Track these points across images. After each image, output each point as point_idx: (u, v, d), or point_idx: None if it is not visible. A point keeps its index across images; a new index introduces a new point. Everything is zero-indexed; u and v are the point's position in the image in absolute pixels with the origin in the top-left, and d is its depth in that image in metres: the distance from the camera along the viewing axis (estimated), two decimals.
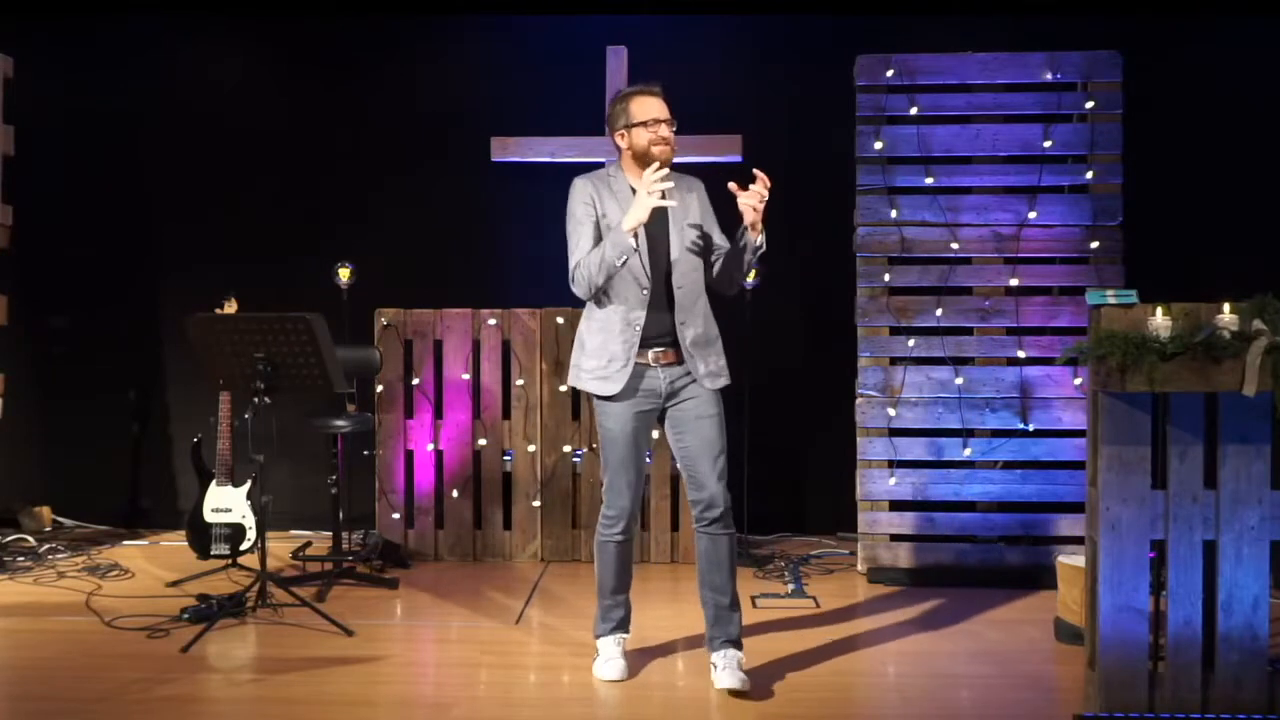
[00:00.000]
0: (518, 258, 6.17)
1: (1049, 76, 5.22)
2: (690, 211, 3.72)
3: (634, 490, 3.76)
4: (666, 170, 3.55)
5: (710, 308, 3.77)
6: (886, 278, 5.28)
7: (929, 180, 5.26)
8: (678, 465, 3.80)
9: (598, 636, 3.91)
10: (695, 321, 3.69)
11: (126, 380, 6.35)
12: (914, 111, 5.26)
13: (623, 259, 3.55)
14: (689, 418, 3.69)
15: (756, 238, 3.61)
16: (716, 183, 3.82)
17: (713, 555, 3.70)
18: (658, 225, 3.66)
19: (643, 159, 3.66)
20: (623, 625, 3.90)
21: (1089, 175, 5.20)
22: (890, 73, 5.27)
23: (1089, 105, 5.19)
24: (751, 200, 3.55)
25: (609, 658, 3.85)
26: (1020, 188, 5.26)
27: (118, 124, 6.29)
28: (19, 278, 5.70)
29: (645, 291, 3.65)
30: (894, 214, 5.27)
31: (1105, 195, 5.21)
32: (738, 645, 3.72)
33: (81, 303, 6.34)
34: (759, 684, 3.72)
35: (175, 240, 6.30)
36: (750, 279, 5.34)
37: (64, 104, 6.22)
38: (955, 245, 5.25)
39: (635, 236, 3.57)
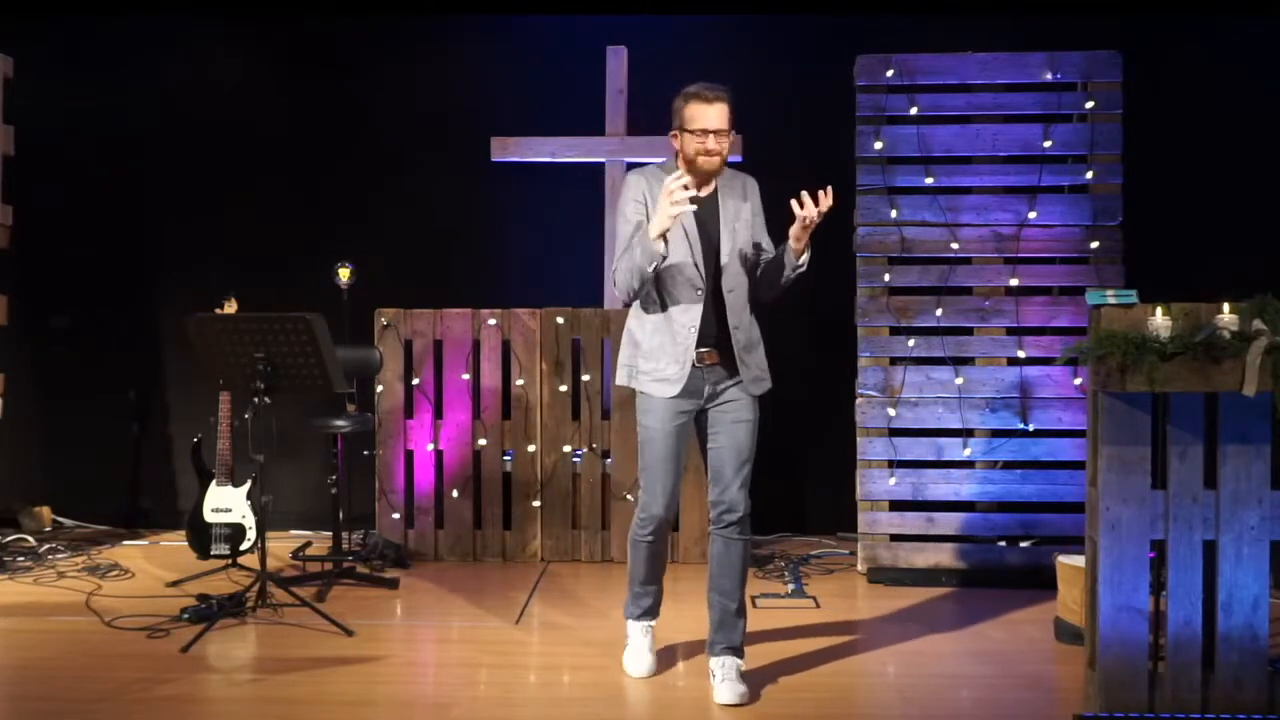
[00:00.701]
0: (518, 258, 6.18)
1: (1049, 76, 5.23)
2: (742, 213, 3.68)
3: (668, 495, 3.70)
4: (688, 178, 3.47)
5: (754, 311, 3.73)
6: (886, 278, 5.28)
7: (929, 180, 5.26)
8: (706, 464, 3.74)
9: (627, 618, 3.94)
10: (744, 325, 3.66)
11: (126, 380, 6.34)
12: (914, 111, 5.26)
13: (653, 265, 3.49)
14: (726, 420, 3.66)
15: (798, 257, 3.58)
16: None
17: (725, 559, 3.68)
18: (710, 227, 3.64)
19: (690, 165, 3.61)
20: (652, 611, 3.92)
21: (1089, 175, 5.20)
22: (890, 73, 5.27)
23: (1089, 105, 5.19)
24: (806, 215, 3.48)
25: (637, 650, 3.88)
26: (1020, 188, 5.26)
27: (118, 124, 6.28)
28: (19, 278, 5.70)
29: (700, 293, 3.62)
30: (894, 214, 5.27)
31: (1105, 195, 5.21)
32: (738, 653, 3.70)
33: (81, 303, 6.34)
34: (759, 684, 3.72)
35: (175, 240, 6.30)
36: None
37: (64, 104, 6.21)
38: (955, 245, 5.25)
39: (686, 240, 3.58)
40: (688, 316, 3.61)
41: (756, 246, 3.72)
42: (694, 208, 3.53)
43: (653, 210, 3.57)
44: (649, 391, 3.67)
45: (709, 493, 3.73)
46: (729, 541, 3.67)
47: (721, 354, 3.65)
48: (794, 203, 3.50)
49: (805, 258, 3.59)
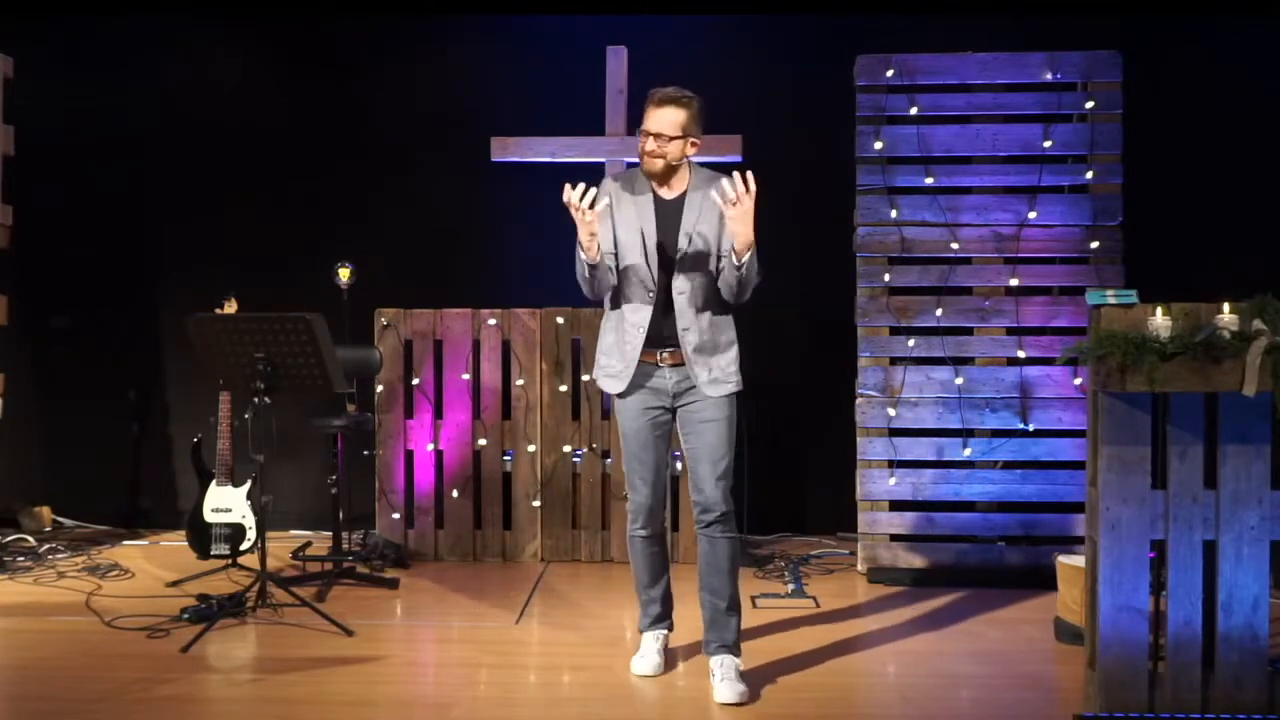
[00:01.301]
0: (518, 258, 6.17)
1: (1049, 76, 5.22)
2: (703, 215, 3.66)
3: (650, 486, 3.76)
4: (580, 190, 3.46)
5: (725, 312, 3.72)
6: (886, 278, 5.28)
7: (929, 180, 5.26)
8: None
9: (640, 631, 3.97)
10: (699, 327, 3.66)
11: (126, 380, 6.34)
12: (914, 111, 5.26)
13: (586, 270, 3.59)
14: (694, 420, 3.70)
15: (739, 258, 3.52)
16: None
17: (710, 557, 3.71)
18: (669, 228, 3.66)
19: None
20: (660, 620, 3.94)
21: (1089, 175, 5.20)
22: (890, 73, 5.27)
23: (1089, 105, 5.19)
24: (732, 211, 3.44)
25: (643, 653, 3.90)
26: (1020, 188, 5.26)
27: (117, 124, 6.28)
28: (19, 278, 5.70)
29: (650, 294, 3.66)
30: (894, 214, 5.27)
31: (1105, 195, 5.21)
32: (734, 651, 3.71)
33: (81, 303, 6.34)
34: (758, 684, 3.72)
35: (175, 240, 6.30)
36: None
37: (64, 104, 6.21)
38: (955, 245, 5.25)
39: (641, 241, 3.63)
40: (637, 316, 3.67)
41: (716, 246, 3.65)
42: (599, 209, 3.52)
43: (617, 213, 3.67)
44: (601, 387, 3.81)
45: (690, 493, 3.76)
46: (713, 540, 3.70)
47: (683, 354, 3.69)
48: (714, 194, 3.49)
49: (747, 258, 3.52)
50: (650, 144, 3.61)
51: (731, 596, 3.73)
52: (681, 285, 3.65)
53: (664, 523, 3.90)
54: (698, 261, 3.65)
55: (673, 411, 3.75)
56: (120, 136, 6.29)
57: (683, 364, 3.68)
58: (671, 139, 3.61)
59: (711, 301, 3.68)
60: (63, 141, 6.18)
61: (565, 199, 3.48)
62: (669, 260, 3.66)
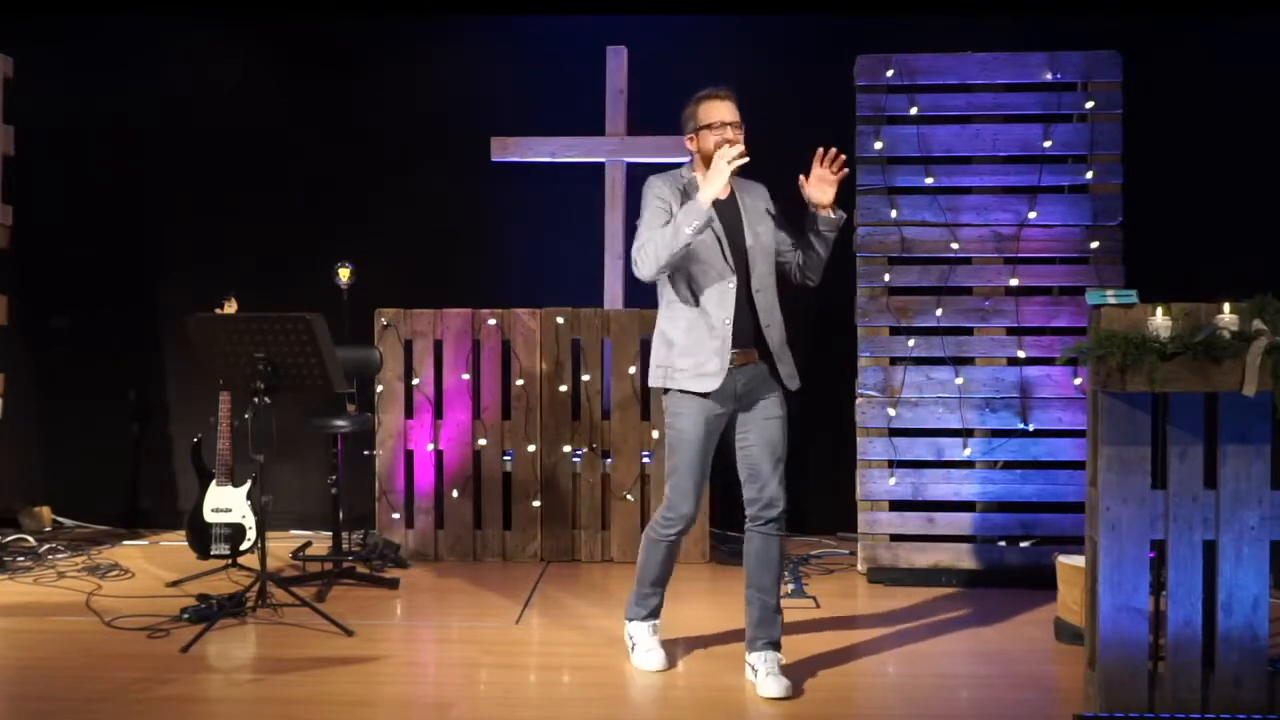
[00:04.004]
0: (518, 258, 6.18)
1: (1049, 76, 5.22)
2: (761, 215, 3.76)
3: (698, 494, 3.75)
4: (741, 147, 3.59)
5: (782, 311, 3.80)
6: (886, 278, 5.28)
7: (929, 180, 5.26)
8: (738, 464, 3.76)
9: (630, 619, 4.00)
10: (777, 322, 3.75)
11: (126, 380, 6.35)
12: (914, 111, 5.26)
13: (694, 226, 3.50)
14: (757, 418, 3.72)
15: (833, 213, 3.67)
16: None
17: (764, 555, 3.72)
18: (734, 228, 3.70)
19: (709, 162, 3.67)
20: (656, 613, 3.99)
21: (1089, 175, 5.20)
22: (890, 73, 5.27)
23: (1089, 105, 5.19)
24: (826, 177, 3.63)
25: (649, 647, 3.93)
26: (1020, 188, 5.26)
27: (118, 124, 6.28)
28: (19, 278, 5.70)
29: (732, 288, 3.66)
30: (894, 214, 5.27)
31: (1105, 195, 5.21)
32: (778, 647, 3.75)
33: (81, 303, 6.34)
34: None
35: (175, 240, 6.30)
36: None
37: (64, 104, 6.21)
38: (955, 245, 5.25)
39: (715, 236, 3.65)
40: (723, 311, 3.66)
41: (780, 243, 3.81)
42: (745, 160, 3.59)
43: (676, 208, 3.61)
44: (688, 388, 3.67)
45: (744, 491, 3.75)
46: (768, 538, 3.72)
47: (754, 354, 3.72)
48: (804, 183, 3.65)
49: (840, 213, 3.68)
50: (730, 133, 3.67)
51: (779, 595, 3.78)
52: (758, 283, 3.71)
53: None
54: (766, 258, 3.72)
55: (732, 416, 3.74)
56: (120, 136, 6.29)
57: (749, 364, 3.70)
58: (740, 128, 3.70)
59: (778, 298, 3.77)
60: (63, 141, 6.19)
61: (730, 154, 3.55)
62: (742, 259, 3.69)
